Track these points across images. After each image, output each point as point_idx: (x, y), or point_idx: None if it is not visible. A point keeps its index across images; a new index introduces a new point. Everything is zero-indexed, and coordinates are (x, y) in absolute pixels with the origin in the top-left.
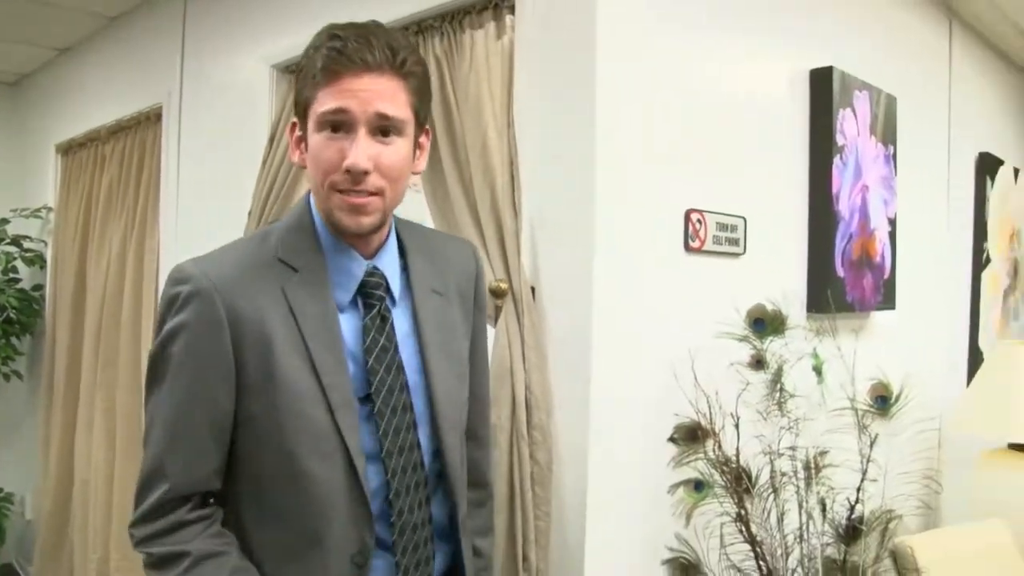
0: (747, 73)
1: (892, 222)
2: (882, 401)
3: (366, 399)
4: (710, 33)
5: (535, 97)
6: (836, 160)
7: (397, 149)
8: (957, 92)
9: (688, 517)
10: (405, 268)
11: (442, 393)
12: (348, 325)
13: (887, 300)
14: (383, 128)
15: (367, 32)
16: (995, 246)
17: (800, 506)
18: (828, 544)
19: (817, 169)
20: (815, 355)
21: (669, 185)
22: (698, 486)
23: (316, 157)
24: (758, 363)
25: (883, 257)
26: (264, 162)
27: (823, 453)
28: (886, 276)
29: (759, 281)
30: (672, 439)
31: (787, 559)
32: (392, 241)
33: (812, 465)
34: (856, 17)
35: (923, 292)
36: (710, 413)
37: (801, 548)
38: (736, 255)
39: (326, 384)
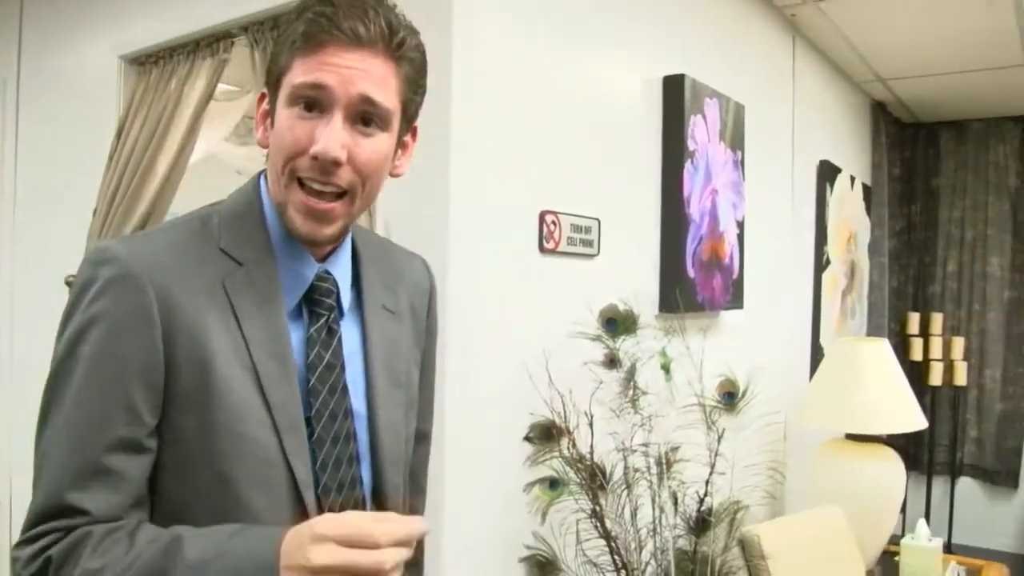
0: (602, 79)
1: (740, 225)
2: (729, 397)
3: (308, 420)
4: (567, 40)
5: None
6: (687, 164)
7: (377, 143)
8: (800, 104)
9: (544, 515)
10: (357, 278)
11: (386, 424)
12: (292, 335)
13: (735, 300)
14: (365, 116)
15: (363, 2)
16: (834, 249)
17: (653, 500)
18: (680, 536)
19: (669, 173)
20: (663, 354)
21: (524, 187)
22: (553, 484)
23: (280, 136)
24: (611, 362)
25: (732, 258)
26: (111, 157)
27: (674, 449)
28: (735, 277)
29: (612, 281)
30: (528, 438)
31: (641, 552)
32: (347, 245)
33: (664, 460)
34: (708, 29)
35: (769, 292)
36: (564, 412)
37: (654, 541)
38: (590, 256)
39: (273, 402)
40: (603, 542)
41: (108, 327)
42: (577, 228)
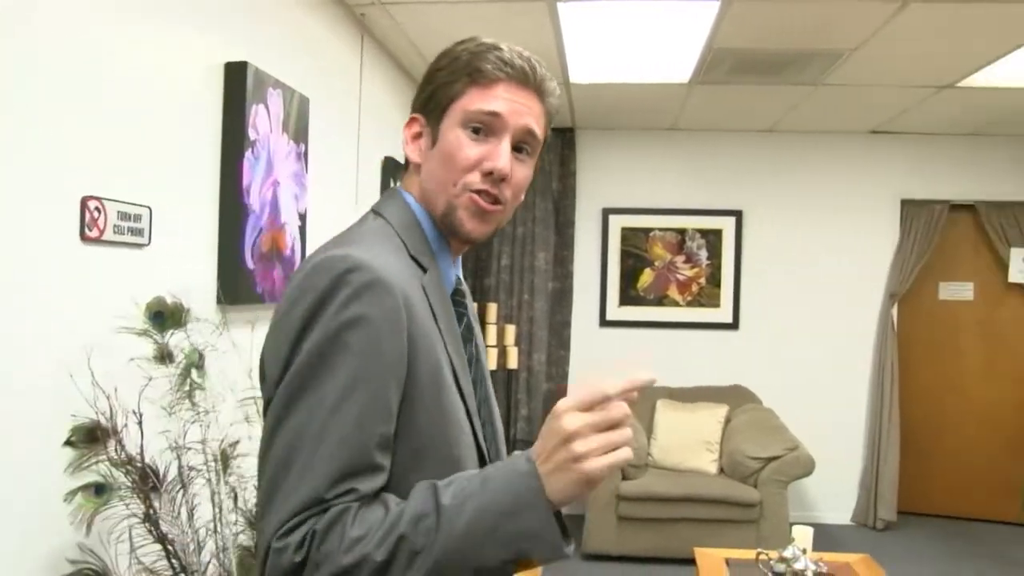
0: (160, 62)
1: (302, 216)
2: None
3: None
4: (120, 17)
5: None
6: (248, 154)
7: (527, 168)
8: (367, 100)
9: (89, 524)
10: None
11: (496, 409)
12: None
13: None
14: (522, 145)
15: (528, 54)
16: None
17: (212, 498)
18: (241, 532)
19: (228, 162)
20: (191, 351)
21: (64, 171)
22: (100, 490)
23: (452, 154)
24: (163, 357)
25: (293, 250)
26: None
27: (234, 444)
28: (295, 268)
29: (166, 273)
30: (69, 442)
31: (200, 553)
32: None
33: (221, 456)
34: (275, 19)
35: None
36: (111, 412)
37: (215, 540)
38: (140, 246)
39: (465, 392)
40: (159, 547)
41: (370, 329)
42: (125, 216)
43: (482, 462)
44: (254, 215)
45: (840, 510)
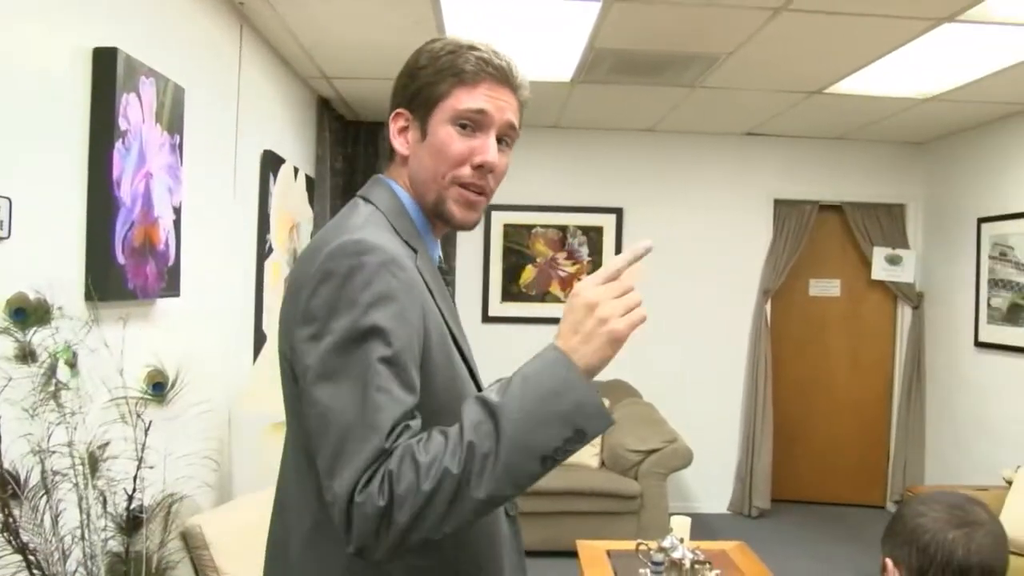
0: (20, 45)
1: (177, 210)
2: (159, 387)
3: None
4: None
5: None
6: (118, 145)
7: (507, 157)
8: (246, 92)
9: None
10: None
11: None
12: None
13: (171, 287)
14: (504, 137)
15: (506, 56)
16: (277, 237)
17: (79, 503)
18: (111, 538)
19: (97, 153)
20: (65, 348)
21: None
22: None
23: (441, 149)
24: (26, 356)
25: (167, 244)
26: None
27: (103, 446)
28: (170, 263)
29: (28, 268)
30: None
31: (66, 561)
32: None
33: (90, 459)
34: (148, 5)
35: (210, 278)
36: None
37: (83, 547)
38: None
39: (466, 355)
40: (19, 557)
41: (398, 300)
42: None
43: None
44: (125, 208)
45: (717, 500)
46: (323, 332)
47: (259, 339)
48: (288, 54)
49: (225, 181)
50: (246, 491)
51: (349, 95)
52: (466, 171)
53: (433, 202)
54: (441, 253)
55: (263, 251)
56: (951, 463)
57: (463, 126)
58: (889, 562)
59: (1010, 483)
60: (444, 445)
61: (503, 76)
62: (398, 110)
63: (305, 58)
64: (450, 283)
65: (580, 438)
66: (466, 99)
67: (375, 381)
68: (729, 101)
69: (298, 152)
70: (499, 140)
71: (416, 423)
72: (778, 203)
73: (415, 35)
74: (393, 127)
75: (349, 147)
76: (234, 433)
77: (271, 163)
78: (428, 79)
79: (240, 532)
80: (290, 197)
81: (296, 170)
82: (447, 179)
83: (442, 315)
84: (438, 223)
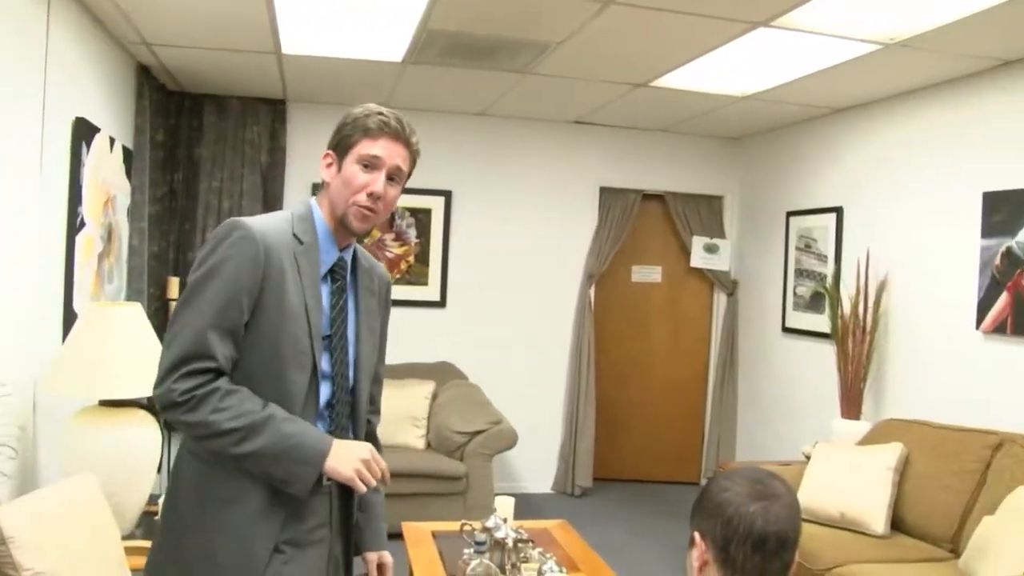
0: None
1: None
2: None
3: (328, 337)
4: None
5: None
6: None
7: (396, 188)
8: (55, 58)
9: None
10: (355, 269)
11: (363, 349)
12: (324, 288)
13: None
14: (392, 175)
15: (402, 119)
16: (90, 211)
17: None
18: None
19: None
20: None
21: None
22: None
23: (349, 181)
24: None
25: None
26: None
27: None
28: None
29: None
30: None
31: None
32: (352, 248)
33: None
34: None
35: (10, 253)
36: None
37: None
38: None
39: (312, 320)
40: None
41: (236, 263)
42: None
43: (314, 365)
44: None
45: (541, 480)
46: (191, 277)
47: (69, 317)
48: (105, 17)
49: (31, 150)
50: (51, 481)
51: (172, 64)
52: (362, 197)
53: (340, 215)
54: (343, 257)
55: (74, 224)
56: (759, 441)
57: (365, 166)
58: (697, 535)
59: (808, 458)
60: (234, 408)
61: (396, 133)
62: (327, 151)
63: (122, 20)
64: (339, 274)
65: (284, 483)
66: (368, 147)
67: (205, 308)
68: (559, 89)
69: (115, 122)
70: (390, 178)
71: (221, 348)
72: (604, 191)
73: (242, 5)
74: (323, 163)
75: (172, 118)
76: (39, 418)
77: (83, 132)
78: (347, 132)
79: (43, 525)
80: (105, 168)
81: (112, 140)
82: (350, 201)
83: (303, 289)
84: (342, 232)
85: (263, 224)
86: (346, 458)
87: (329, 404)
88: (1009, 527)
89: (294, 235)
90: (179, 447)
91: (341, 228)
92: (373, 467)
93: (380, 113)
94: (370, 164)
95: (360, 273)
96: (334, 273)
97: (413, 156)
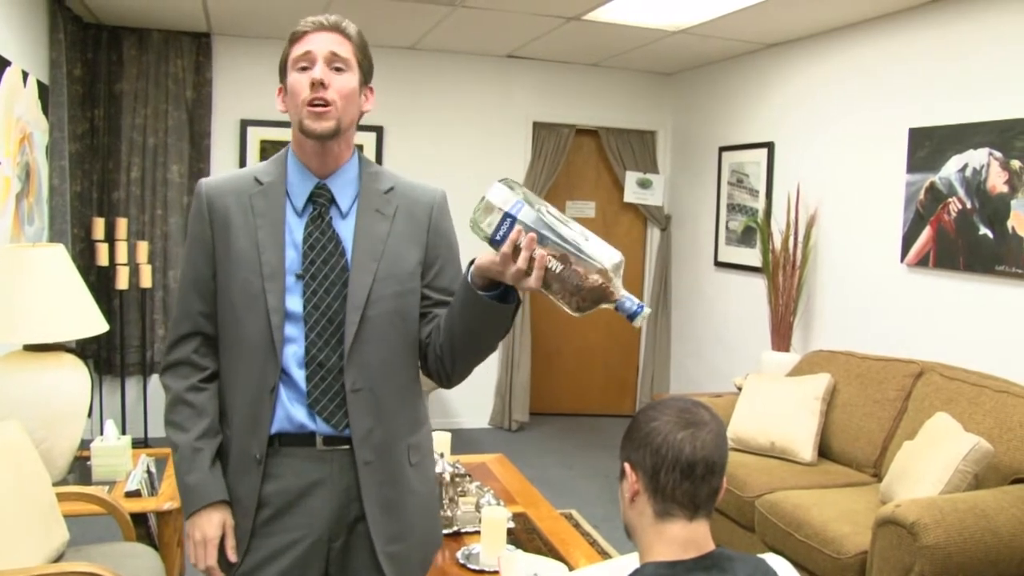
0: None
1: None
2: None
3: (301, 275)
4: None
5: None
6: None
7: (347, 78)
8: None
9: None
10: (358, 194)
11: (358, 280)
12: (299, 223)
13: None
14: (334, 62)
15: (332, 16)
16: (4, 149)
17: None
18: None
19: None
20: None
21: None
22: None
23: (292, 88)
24: None
25: None
26: None
27: None
28: None
29: None
30: None
31: None
32: (350, 172)
33: None
34: None
35: None
36: None
37: None
38: None
39: (263, 259)
40: None
41: (190, 222)
42: None
43: (266, 308)
44: None
45: (479, 415)
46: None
47: None
48: None
49: None
50: None
51: None
52: (306, 93)
53: (298, 125)
54: (326, 183)
55: None
56: (692, 373)
57: (302, 68)
58: (627, 466)
59: (740, 389)
60: (177, 434)
61: (320, 25)
62: (279, 86)
63: None
64: (318, 202)
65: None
66: (297, 50)
67: (187, 274)
68: (490, 22)
69: (28, 55)
70: (335, 68)
71: (192, 306)
72: (537, 126)
73: None
74: (278, 100)
75: (89, 52)
76: None
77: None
78: (282, 56)
79: None
80: (19, 104)
81: (26, 75)
82: (300, 106)
83: (254, 227)
84: (313, 152)
85: (221, 177)
86: (195, 530)
87: (305, 348)
88: (927, 451)
89: (255, 179)
90: None
91: (310, 147)
92: (201, 554)
93: (306, 18)
94: (304, 63)
95: (364, 196)
96: (314, 203)
97: (354, 43)
